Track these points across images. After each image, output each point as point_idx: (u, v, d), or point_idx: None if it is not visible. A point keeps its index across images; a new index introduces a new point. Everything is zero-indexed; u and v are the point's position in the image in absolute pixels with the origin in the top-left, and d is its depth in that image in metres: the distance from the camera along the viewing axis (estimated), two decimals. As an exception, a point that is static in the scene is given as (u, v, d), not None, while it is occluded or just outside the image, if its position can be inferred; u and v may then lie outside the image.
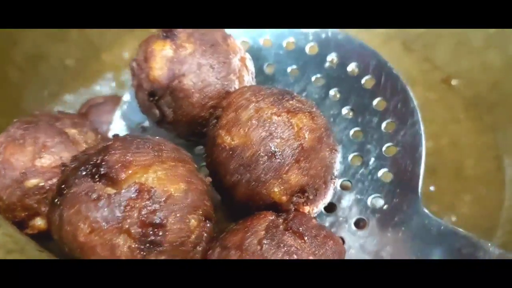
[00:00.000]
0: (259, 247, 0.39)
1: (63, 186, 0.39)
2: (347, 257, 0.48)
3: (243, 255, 0.39)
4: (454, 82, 0.73)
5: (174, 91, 0.48)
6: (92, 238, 0.36)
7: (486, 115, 0.72)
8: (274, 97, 0.46)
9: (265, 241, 0.39)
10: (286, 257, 0.38)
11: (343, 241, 0.50)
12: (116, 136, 0.44)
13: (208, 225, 0.42)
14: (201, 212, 0.41)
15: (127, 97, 0.60)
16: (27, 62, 0.74)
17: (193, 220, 0.40)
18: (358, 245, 0.50)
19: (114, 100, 0.73)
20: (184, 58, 0.48)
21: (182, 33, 0.49)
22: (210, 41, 0.49)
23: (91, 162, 0.39)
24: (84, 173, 0.39)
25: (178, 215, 0.39)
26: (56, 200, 0.39)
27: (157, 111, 0.50)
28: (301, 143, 0.44)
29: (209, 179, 0.45)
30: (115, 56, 0.83)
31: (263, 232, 0.40)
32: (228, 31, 0.57)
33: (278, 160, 0.43)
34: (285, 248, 0.38)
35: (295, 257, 0.38)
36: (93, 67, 0.82)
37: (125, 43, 0.82)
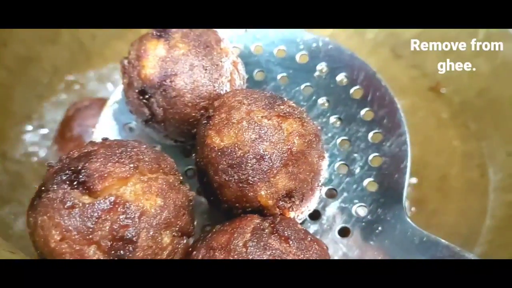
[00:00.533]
0: (244, 249, 0.39)
1: (42, 188, 0.39)
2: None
3: (228, 256, 0.39)
4: (443, 90, 0.74)
5: (166, 90, 0.47)
6: (62, 246, 0.36)
7: (472, 123, 0.73)
8: (266, 101, 0.46)
9: (250, 244, 0.39)
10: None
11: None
12: (105, 139, 0.44)
13: (184, 241, 0.42)
14: (176, 228, 0.41)
15: (114, 97, 0.60)
16: (17, 63, 0.73)
17: (166, 238, 0.40)
18: (341, 253, 0.50)
19: (99, 103, 0.73)
20: (177, 58, 0.48)
21: (176, 33, 0.49)
22: (204, 43, 0.50)
23: (72, 168, 0.39)
24: (64, 177, 0.39)
25: (150, 232, 0.39)
26: (35, 202, 0.39)
27: (146, 110, 0.50)
28: (290, 147, 0.44)
29: (193, 193, 0.45)
30: (106, 59, 0.82)
31: (249, 235, 0.40)
32: (220, 35, 0.57)
33: (267, 163, 0.43)
34: (270, 251, 0.38)
35: (278, 259, 0.38)
36: (83, 70, 0.82)
37: (116, 46, 0.82)
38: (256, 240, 0.39)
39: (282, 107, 0.46)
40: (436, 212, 0.67)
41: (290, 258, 0.39)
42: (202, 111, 0.49)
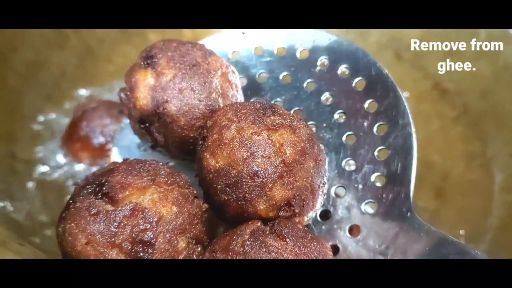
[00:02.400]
0: (242, 249, 0.41)
1: (70, 201, 0.44)
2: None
3: (227, 256, 0.41)
4: (447, 85, 0.73)
5: (161, 117, 0.49)
6: (88, 249, 0.41)
7: (475, 124, 0.72)
8: (255, 115, 0.47)
9: (248, 243, 0.41)
10: (267, 256, 0.40)
11: (338, 249, 0.51)
12: (126, 159, 0.48)
13: (199, 249, 0.45)
14: (191, 235, 0.44)
15: (126, 120, 0.63)
16: (26, 68, 0.77)
17: (181, 242, 0.43)
18: (353, 252, 0.51)
19: (106, 104, 0.77)
20: (166, 85, 0.49)
21: (162, 59, 0.50)
22: (189, 63, 0.51)
23: (97, 182, 0.43)
24: (90, 190, 0.43)
25: (167, 235, 0.42)
26: (63, 214, 0.44)
27: (149, 137, 0.52)
28: (283, 159, 0.45)
29: (206, 205, 0.48)
30: (113, 63, 0.85)
31: (247, 236, 0.42)
32: (217, 43, 0.58)
33: (261, 179, 0.44)
34: (266, 248, 0.41)
35: (274, 255, 0.40)
36: (91, 74, 0.85)
37: (122, 50, 0.84)
38: (253, 239, 0.42)
39: (272, 117, 0.47)
40: (438, 212, 0.66)
41: (286, 254, 0.40)
42: (199, 130, 0.51)
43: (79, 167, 0.72)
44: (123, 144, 0.63)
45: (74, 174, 0.71)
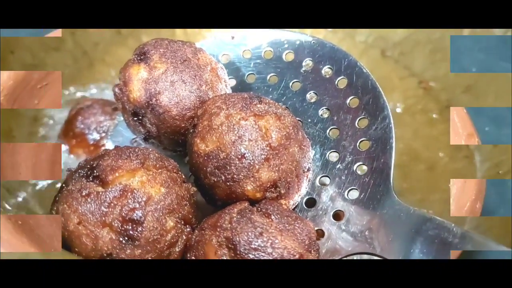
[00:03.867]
0: (229, 225, 0.43)
1: (63, 185, 0.46)
2: (324, 247, 0.51)
3: (215, 232, 0.43)
4: (432, 83, 0.78)
5: (154, 108, 0.52)
6: (79, 228, 0.42)
7: None
8: (243, 102, 0.50)
9: (235, 219, 0.44)
10: (253, 230, 0.42)
11: (323, 233, 0.53)
12: (116, 146, 0.50)
13: (188, 229, 0.47)
14: (179, 216, 0.46)
15: (121, 116, 0.66)
16: (24, 69, 0.76)
17: (170, 222, 0.45)
18: (336, 235, 0.53)
19: (100, 102, 0.79)
20: (158, 78, 0.53)
21: (154, 55, 0.54)
22: (181, 58, 0.54)
23: (88, 166, 0.46)
24: (81, 174, 0.46)
25: (155, 215, 0.44)
26: (57, 197, 0.46)
27: (142, 129, 0.55)
28: (269, 142, 0.48)
29: (194, 189, 0.50)
30: (107, 65, 0.88)
31: (235, 214, 0.45)
32: (208, 47, 0.62)
33: (248, 160, 0.47)
34: (252, 224, 0.43)
35: (259, 230, 0.42)
36: (86, 75, 0.87)
37: (116, 52, 0.87)
38: (240, 216, 0.44)
39: (258, 106, 0.50)
40: (424, 202, 0.69)
41: (272, 229, 0.43)
42: (190, 121, 0.53)
43: (75, 163, 0.74)
44: (116, 141, 0.65)
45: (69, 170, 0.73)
